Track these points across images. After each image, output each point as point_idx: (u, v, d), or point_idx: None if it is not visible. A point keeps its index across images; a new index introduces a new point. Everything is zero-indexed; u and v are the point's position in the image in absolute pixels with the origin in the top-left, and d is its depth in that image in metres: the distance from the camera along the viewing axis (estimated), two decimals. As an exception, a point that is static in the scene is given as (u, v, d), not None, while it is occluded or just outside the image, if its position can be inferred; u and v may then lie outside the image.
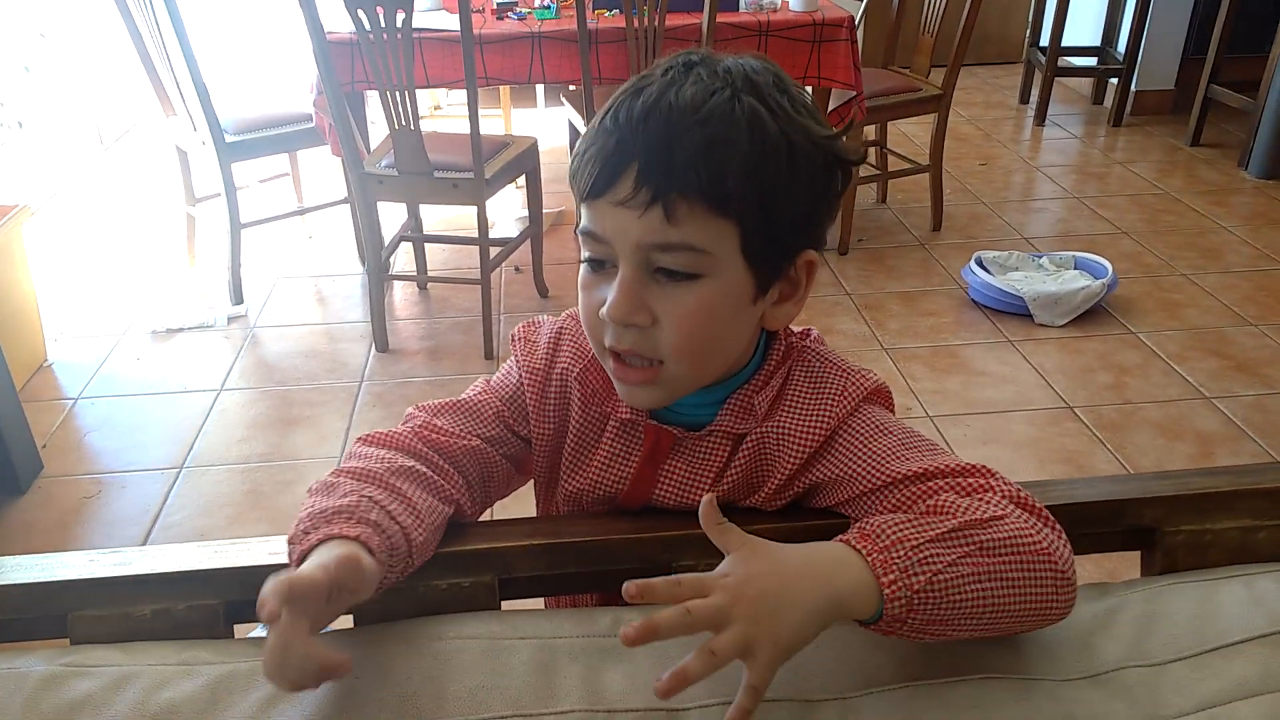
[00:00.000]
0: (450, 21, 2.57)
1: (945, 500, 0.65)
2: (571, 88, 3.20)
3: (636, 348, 0.67)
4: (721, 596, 0.56)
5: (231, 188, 2.70)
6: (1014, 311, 2.71)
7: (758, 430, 0.73)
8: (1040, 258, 2.91)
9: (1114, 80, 4.36)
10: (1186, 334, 2.63)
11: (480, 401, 0.80)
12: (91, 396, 2.40)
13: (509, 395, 0.81)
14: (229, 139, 2.66)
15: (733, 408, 0.74)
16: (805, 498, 0.75)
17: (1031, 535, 0.63)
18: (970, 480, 0.67)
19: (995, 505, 0.64)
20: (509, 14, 2.77)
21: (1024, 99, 4.61)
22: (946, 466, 0.68)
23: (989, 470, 0.68)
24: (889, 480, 0.68)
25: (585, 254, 0.69)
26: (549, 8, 2.76)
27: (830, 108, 2.85)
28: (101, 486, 2.08)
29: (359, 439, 0.77)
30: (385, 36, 2.24)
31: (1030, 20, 4.81)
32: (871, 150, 3.35)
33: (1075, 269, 2.86)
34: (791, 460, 0.73)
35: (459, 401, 0.80)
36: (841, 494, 0.71)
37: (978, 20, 3.01)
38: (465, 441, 0.77)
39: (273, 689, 0.63)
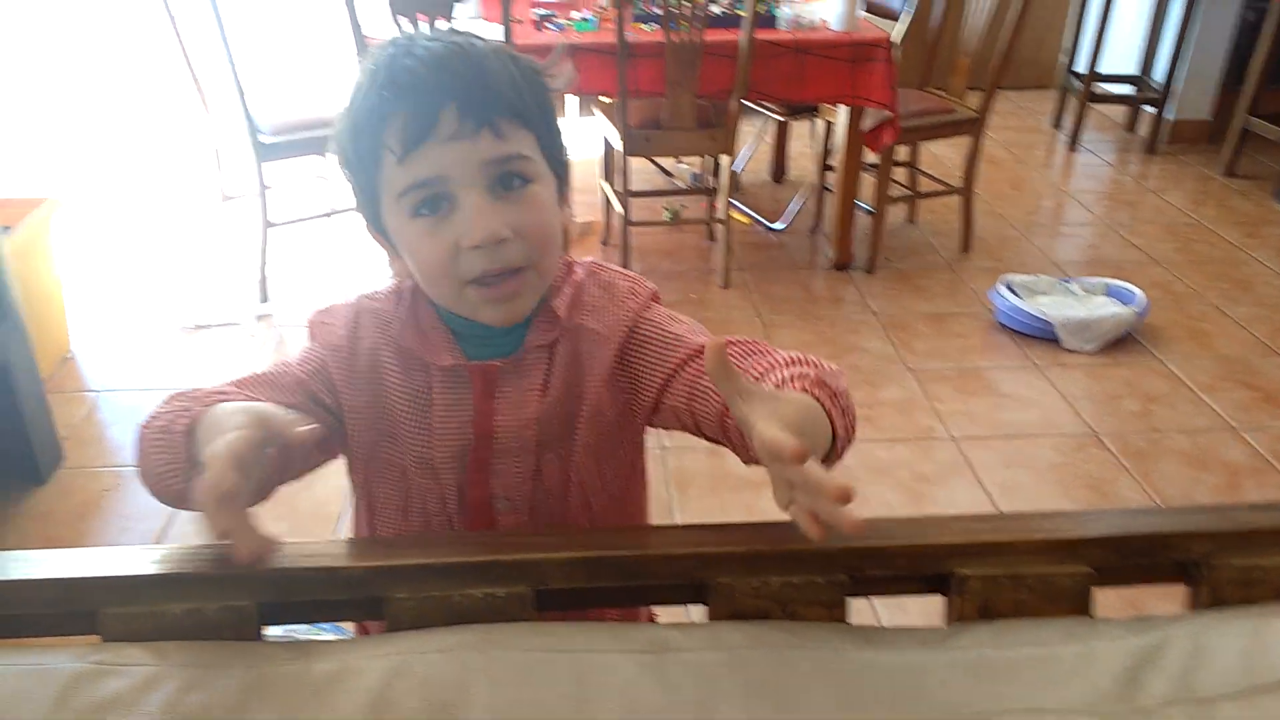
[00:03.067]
0: (490, 31, 2.58)
1: (794, 355, 0.74)
2: (604, 100, 3.20)
3: (507, 263, 0.74)
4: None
5: (263, 187, 2.71)
6: (1042, 336, 2.68)
7: (566, 338, 0.82)
8: (1069, 282, 2.88)
9: (1149, 108, 4.32)
10: (1216, 364, 2.59)
11: (279, 372, 0.81)
12: (114, 390, 2.41)
13: (313, 368, 0.82)
14: (264, 139, 2.68)
15: (538, 323, 0.82)
16: (634, 398, 0.83)
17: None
18: (757, 343, 0.78)
19: (821, 363, 0.74)
20: (548, 25, 2.77)
21: (1056, 124, 4.58)
22: (737, 339, 0.79)
23: (757, 341, 0.79)
24: (695, 351, 0.79)
25: (416, 205, 0.74)
26: (589, 20, 2.77)
27: (865, 126, 2.85)
28: (120, 480, 2.09)
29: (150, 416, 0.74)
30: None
31: (1066, 46, 4.78)
32: (902, 170, 3.33)
33: (1105, 295, 2.83)
34: (605, 356, 0.82)
35: (259, 374, 0.80)
36: (659, 376, 0.81)
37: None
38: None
39: (305, 694, 0.62)
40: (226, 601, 0.68)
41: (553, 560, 0.71)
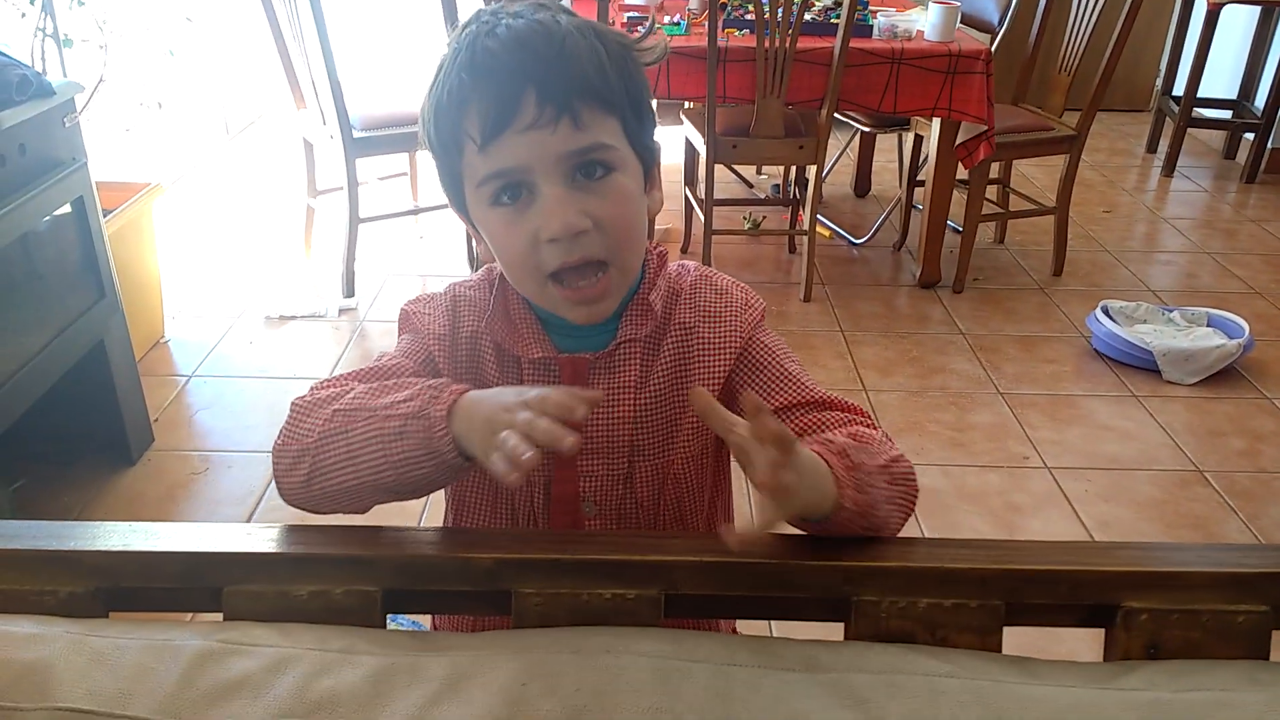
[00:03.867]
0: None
1: (861, 431, 0.74)
2: (688, 105, 3.18)
3: (587, 254, 0.71)
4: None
5: (354, 182, 2.74)
6: (1140, 365, 2.57)
7: (672, 337, 0.80)
8: (1171, 311, 2.76)
9: (1249, 135, 4.16)
10: (1328, 404, 2.46)
11: (398, 366, 0.79)
12: (204, 375, 2.45)
13: (421, 359, 0.80)
14: (356, 134, 2.71)
15: (632, 315, 0.80)
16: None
17: (914, 474, 0.74)
18: (860, 418, 0.77)
19: (893, 445, 0.75)
20: (638, 28, 2.75)
21: (1151, 148, 4.44)
22: (843, 401, 0.79)
23: (865, 413, 0.79)
24: (805, 401, 0.78)
25: (496, 192, 0.72)
26: (678, 24, 2.75)
27: (958, 141, 2.78)
28: (210, 464, 2.11)
29: (301, 397, 0.75)
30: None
31: (1161, 68, 4.64)
32: (994, 189, 3.25)
33: (1208, 326, 2.71)
34: (717, 367, 0.80)
35: (376, 368, 0.78)
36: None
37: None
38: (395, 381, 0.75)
39: (436, 687, 0.59)
40: (352, 585, 0.66)
41: (687, 564, 0.67)
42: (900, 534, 0.73)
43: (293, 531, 0.69)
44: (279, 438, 0.73)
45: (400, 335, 0.84)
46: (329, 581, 0.66)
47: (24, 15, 2.42)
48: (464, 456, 0.67)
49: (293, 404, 0.74)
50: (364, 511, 0.75)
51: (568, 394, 0.62)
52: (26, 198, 1.70)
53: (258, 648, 0.62)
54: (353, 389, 0.72)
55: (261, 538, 0.68)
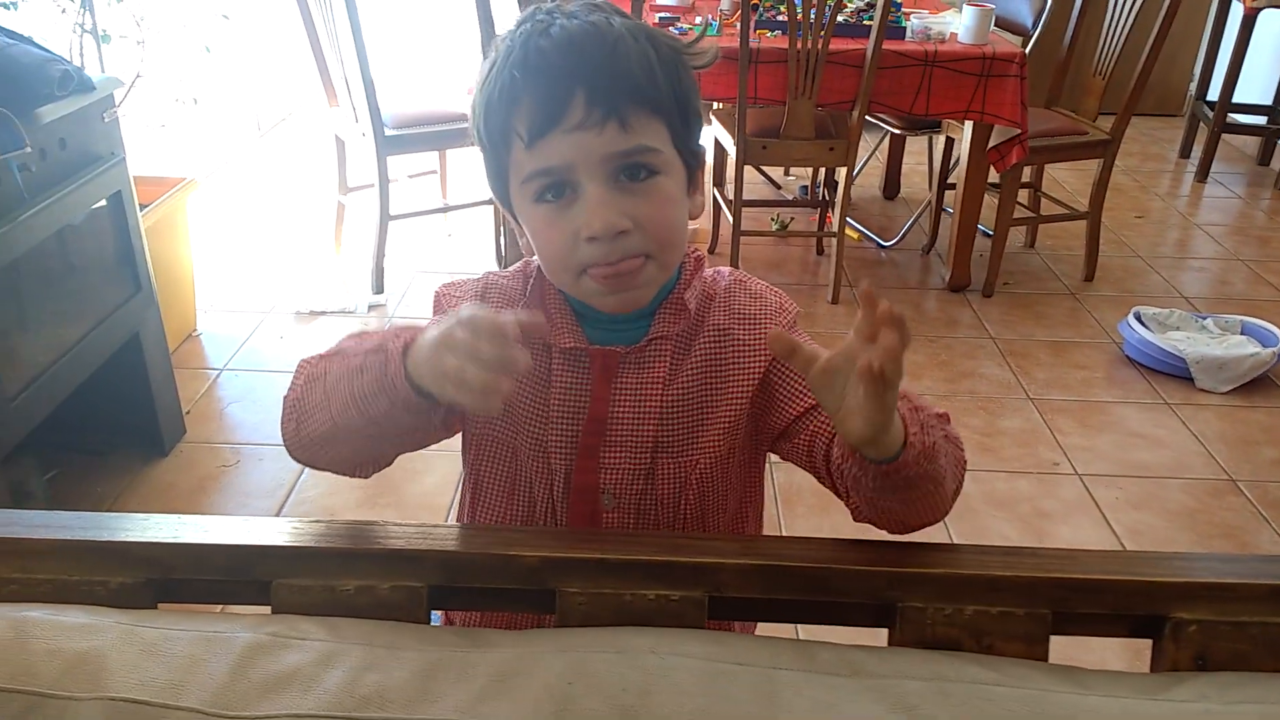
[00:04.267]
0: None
1: (916, 402, 0.72)
2: (717, 106, 3.17)
3: (627, 253, 0.72)
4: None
5: (385, 180, 2.76)
6: (1172, 373, 2.54)
7: (705, 338, 0.81)
8: (1204, 319, 2.73)
9: (1285, 141, 4.11)
10: (1364, 415, 2.42)
11: None
12: (235, 369, 2.47)
13: None
14: (388, 132, 2.73)
15: (666, 312, 0.80)
16: (766, 418, 0.82)
17: (960, 443, 0.75)
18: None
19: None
20: (669, 29, 2.76)
21: (1185, 153, 4.38)
22: None
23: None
24: None
25: (541, 190, 0.73)
26: (711, 25, 2.74)
27: (991, 144, 2.75)
28: (240, 457, 2.13)
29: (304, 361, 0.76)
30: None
31: (1195, 73, 4.58)
32: (1025, 193, 3.22)
33: (1241, 334, 2.68)
34: (750, 370, 0.80)
35: None
36: (797, 406, 0.79)
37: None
38: None
39: (483, 683, 0.59)
40: (398, 581, 0.67)
41: (732, 566, 0.67)
42: (934, 540, 0.73)
43: (340, 526, 0.70)
44: (287, 392, 0.76)
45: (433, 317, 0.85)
46: (375, 577, 0.66)
47: (64, 11, 2.45)
48: (420, 394, 0.66)
49: (299, 362, 0.76)
50: (360, 473, 0.77)
51: (493, 313, 0.62)
52: (66, 192, 1.73)
53: (306, 641, 0.63)
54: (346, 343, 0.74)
55: (309, 532, 0.69)
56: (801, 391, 0.80)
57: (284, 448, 0.76)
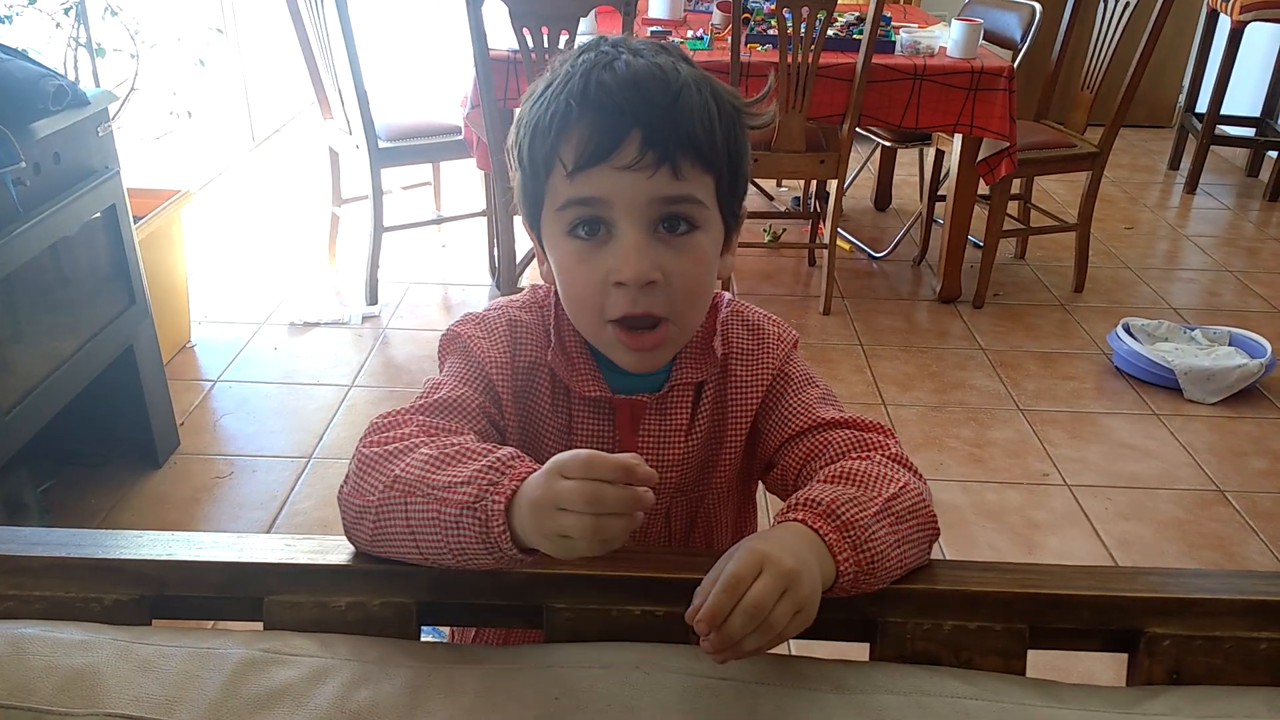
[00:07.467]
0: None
1: (855, 466, 0.71)
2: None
3: (650, 308, 0.71)
4: (770, 576, 0.58)
5: (379, 191, 2.77)
6: (1161, 384, 2.56)
7: (713, 380, 0.81)
8: (1192, 330, 2.75)
9: (1272, 153, 4.14)
10: (1351, 425, 2.45)
11: (461, 397, 0.76)
12: (229, 380, 2.48)
13: (482, 387, 0.78)
14: (381, 145, 2.74)
15: (688, 357, 0.80)
16: (753, 447, 0.83)
17: (924, 500, 0.72)
18: (870, 436, 0.77)
19: (897, 472, 0.72)
20: (664, 41, 2.78)
21: (1174, 165, 4.42)
22: (856, 419, 0.79)
23: (883, 428, 0.78)
24: (813, 424, 0.78)
25: (574, 222, 0.71)
26: (702, 38, 2.77)
27: (980, 157, 2.78)
28: (234, 468, 2.14)
29: (367, 440, 0.70)
30: (547, 56, 2.27)
31: (1184, 85, 4.62)
32: (1015, 204, 3.25)
33: (1230, 345, 2.70)
34: (748, 405, 0.81)
35: (439, 400, 0.75)
36: (779, 436, 0.80)
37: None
38: (465, 439, 0.69)
39: (470, 699, 0.61)
40: (388, 598, 0.68)
41: (716, 583, 0.68)
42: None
43: (332, 543, 0.71)
44: (344, 485, 0.70)
45: (448, 358, 0.81)
46: (366, 593, 0.68)
47: (58, 25, 2.46)
48: (526, 551, 0.61)
49: (357, 453, 0.70)
50: None
51: (604, 456, 0.57)
52: (60, 206, 1.74)
53: (298, 657, 0.64)
54: (416, 443, 0.68)
55: (302, 549, 0.70)
56: (781, 421, 0.80)
57: (348, 539, 0.70)
